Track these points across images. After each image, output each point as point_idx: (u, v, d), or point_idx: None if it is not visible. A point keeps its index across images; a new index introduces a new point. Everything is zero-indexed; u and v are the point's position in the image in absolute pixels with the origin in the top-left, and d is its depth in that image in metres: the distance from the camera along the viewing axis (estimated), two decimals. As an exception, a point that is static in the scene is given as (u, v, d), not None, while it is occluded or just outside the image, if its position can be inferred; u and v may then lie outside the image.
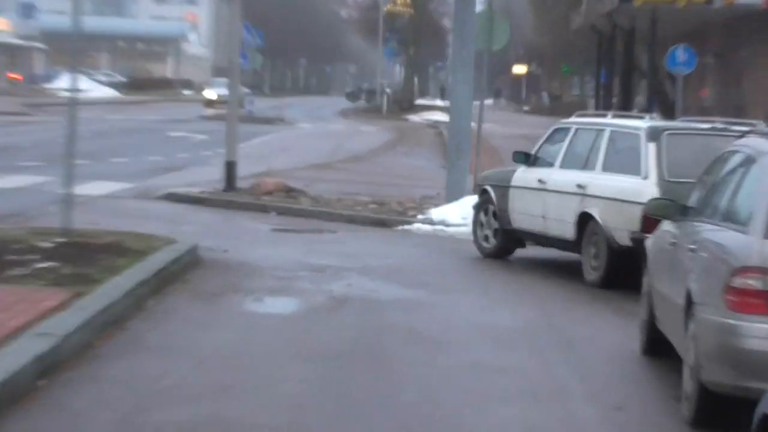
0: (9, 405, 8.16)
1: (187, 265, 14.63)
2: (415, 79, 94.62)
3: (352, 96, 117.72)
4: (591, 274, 15.23)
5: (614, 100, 45.60)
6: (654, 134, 14.83)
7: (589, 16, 48.86)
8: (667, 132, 14.94)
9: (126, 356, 9.97)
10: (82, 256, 13.45)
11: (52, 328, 9.83)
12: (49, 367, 9.09)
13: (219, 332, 11.24)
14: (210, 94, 75.24)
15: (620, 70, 43.98)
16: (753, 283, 8.13)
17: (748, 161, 9.18)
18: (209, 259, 15.41)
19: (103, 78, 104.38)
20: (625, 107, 38.24)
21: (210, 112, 65.64)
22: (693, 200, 10.32)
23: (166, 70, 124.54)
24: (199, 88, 79.22)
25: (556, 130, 17.08)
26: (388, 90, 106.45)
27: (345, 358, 10.44)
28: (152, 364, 9.76)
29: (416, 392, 9.33)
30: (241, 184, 24.21)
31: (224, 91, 74.53)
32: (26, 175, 25.14)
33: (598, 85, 51.07)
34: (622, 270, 14.42)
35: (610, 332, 12.25)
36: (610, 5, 39.52)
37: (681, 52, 33.11)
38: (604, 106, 44.66)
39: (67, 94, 16.83)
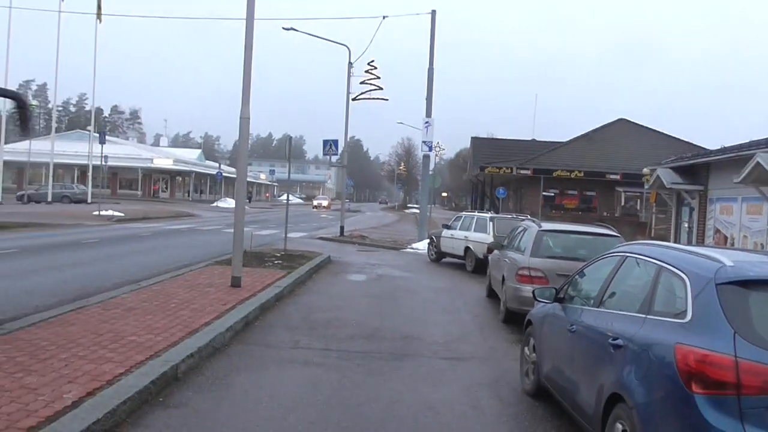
0: (266, 312, 8.25)
1: (326, 263, 14.57)
2: (407, 197, 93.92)
3: (380, 203, 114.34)
4: (469, 267, 15.12)
5: (477, 207, 45.31)
6: (492, 219, 14.91)
7: (469, 175, 48.76)
8: (496, 218, 15.03)
9: (305, 295, 10.00)
10: (291, 259, 13.49)
11: (280, 285, 9.90)
12: (279, 298, 9.19)
13: (338, 286, 11.24)
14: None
15: (480, 195, 43.81)
16: (525, 273, 8.23)
17: (524, 229, 9.28)
18: (334, 260, 15.38)
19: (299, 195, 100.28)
20: (481, 209, 38.07)
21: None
22: (505, 242, 10.41)
23: (319, 192, 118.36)
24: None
25: (457, 217, 17.12)
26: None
27: (381, 297, 10.41)
28: (314, 298, 9.76)
29: (408, 309, 9.34)
30: (345, 233, 24.18)
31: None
32: (270, 230, 25.01)
33: (473, 201, 50.85)
34: (480, 266, 14.47)
35: (475, 288, 12.14)
36: (476, 172, 39.39)
37: (501, 189, 33.16)
38: (475, 208, 44.60)
39: (284, 201, 16.88)
